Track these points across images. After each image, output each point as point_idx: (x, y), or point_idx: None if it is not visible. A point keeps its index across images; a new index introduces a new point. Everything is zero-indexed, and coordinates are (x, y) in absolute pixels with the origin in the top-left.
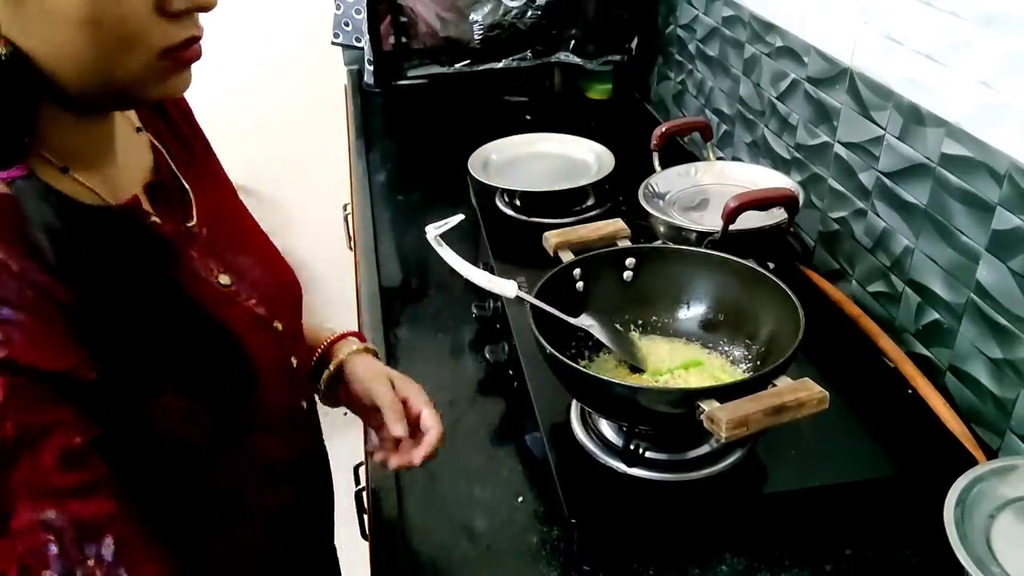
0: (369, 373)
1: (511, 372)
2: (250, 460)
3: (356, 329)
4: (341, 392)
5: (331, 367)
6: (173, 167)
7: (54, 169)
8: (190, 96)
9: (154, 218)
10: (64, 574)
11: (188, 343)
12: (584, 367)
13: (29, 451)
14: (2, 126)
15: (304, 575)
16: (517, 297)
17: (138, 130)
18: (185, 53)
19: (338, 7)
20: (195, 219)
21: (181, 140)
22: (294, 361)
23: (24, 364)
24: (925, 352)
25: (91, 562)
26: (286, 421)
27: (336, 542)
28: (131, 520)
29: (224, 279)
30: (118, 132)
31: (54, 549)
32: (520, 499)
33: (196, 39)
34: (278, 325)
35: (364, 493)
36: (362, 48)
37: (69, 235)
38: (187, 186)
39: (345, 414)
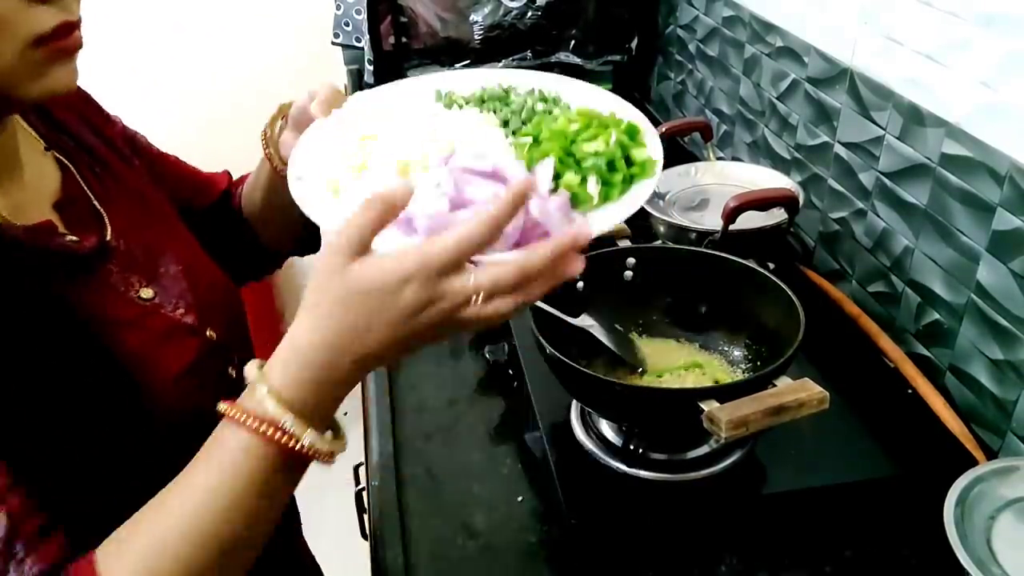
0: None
1: (511, 372)
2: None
3: None
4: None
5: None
6: (83, 184)
7: None
8: (188, 97)
9: (70, 237)
10: None
11: (68, 366)
12: (584, 367)
13: None
14: None
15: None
16: None
17: (46, 149)
18: (59, 42)
19: (338, 7)
20: (110, 233)
21: (91, 154)
22: (232, 372)
23: None
24: (925, 352)
25: None
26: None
27: (336, 542)
28: (29, 498)
29: (146, 292)
30: (23, 152)
31: None
32: (520, 499)
33: (70, 25)
34: (211, 334)
35: (364, 493)
36: (362, 48)
37: None
38: (96, 203)
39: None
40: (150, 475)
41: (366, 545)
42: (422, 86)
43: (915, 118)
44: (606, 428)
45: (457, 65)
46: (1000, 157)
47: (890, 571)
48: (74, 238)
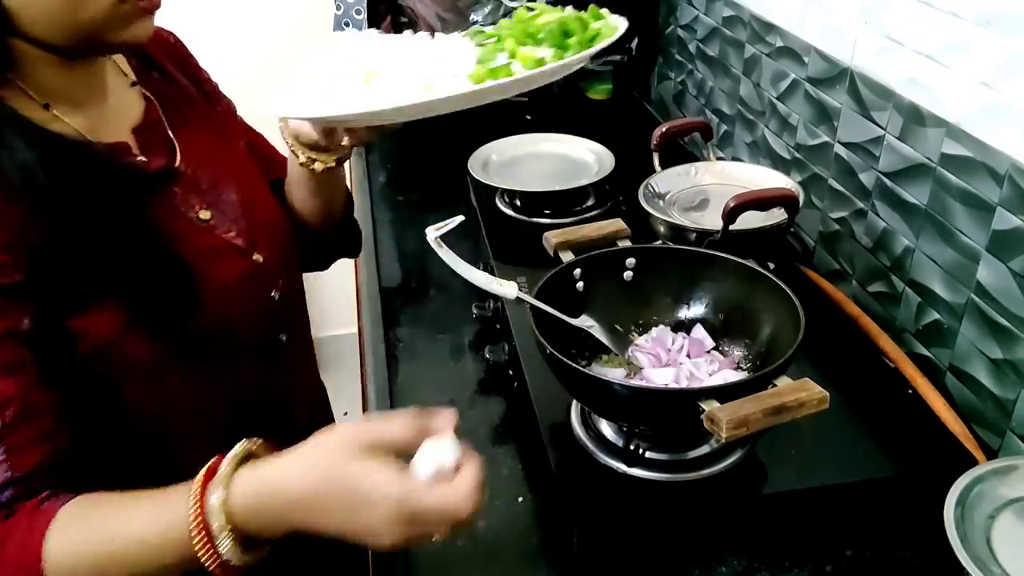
0: None
1: (511, 372)
2: (208, 386)
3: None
4: None
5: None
6: (163, 115)
7: (36, 105)
8: None
9: (140, 157)
10: None
11: (135, 266)
12: (584, 367)
13: None
14: None
15: None
16: (517, 298)
17: (133, 84)
18: (141, 0)
19: (338, 7)
20: (179, 160)
21: (179, 91)
22: (275, 294)
23: None
24: (925, 352)
25: None
26: (256, 352)
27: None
28: (34, 407)
29: (204, 214)
30: (110, 83)
31: None
32: (520, 499)
33: None
34: (258, 257)
35: None
36: None
37: (39, 163)
38: (171, 133)
39: (345, 413)
40: (190, 384)
41: None
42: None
43: (915, 118)
44: (606, 428)
45: None
46: (1000, 157)
47: (890, 571)
48: (143, 159)
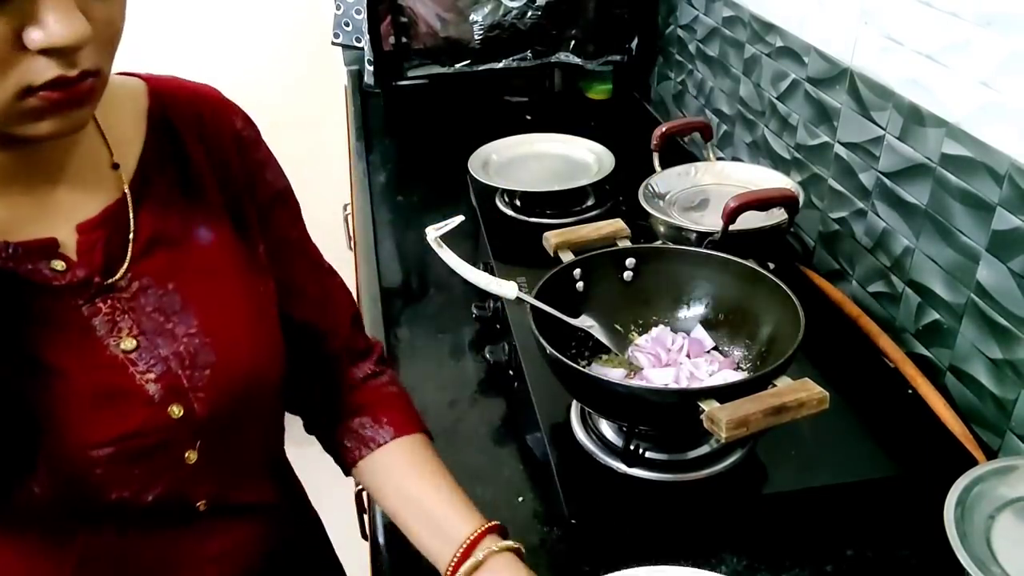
0: None
1: (511, 372)
2: (58, 563)
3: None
4: None
5: (466, 567)
6: (131, 211)
7: None
8: None
9: (56, 264)
10: None
11: None
12: (584, 367)
13: None
14: None
15: None
16: (517, 298)
17: (114, 166)
18: (51, 94)
19: (338, 7)
20: (124, 271)
21: (190, 182)
22: (190, 457)
23: None
24: (925, 352)
25: None
26: (159, 517)
27: (336, 542)
28: None
29: (128, 343)
30: (76, 164)
31: None
32: (520, 499)
33: (65, 80)
34: (176, 410)
35: (364, 493)
36: (362, 48)
37: None
38: (132, 235)
39: None
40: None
41: (366, 545)
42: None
43: (915, 118)
44: (606, 428)
45: (457, 65)
46: (1000, 157)
47: (890, 571)
48: (60, 266)
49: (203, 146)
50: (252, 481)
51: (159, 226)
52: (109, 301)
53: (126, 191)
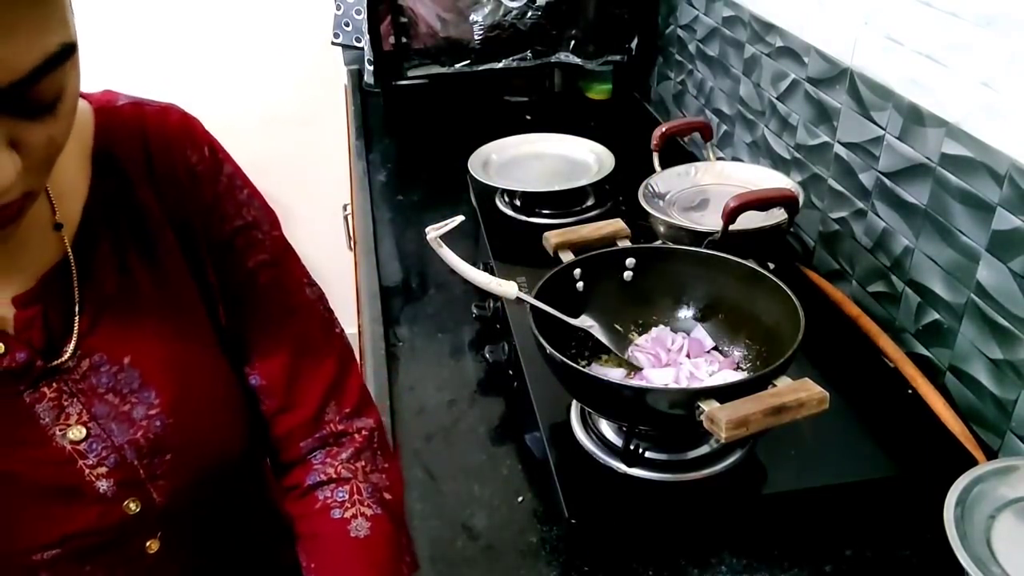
0: None
1: (511, 372)
2: None
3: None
4: None
5: None
6: (74, 279)
7: None
8: (187, 98)
9: None
10: None
11: None
12: (584, 367)
13: None
14: None
15: None
16: (517, 298)
17: (57, 226)
18: None
19: (338, 7)
20: (71, 350)
21: (142, 232)
22: (151, 546)
23: None
24: (925, 352)
25: None
26: None
27: None
28: None
29: (76, 432)
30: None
31: None
32: (520, 499)
33: None
34: (132, 505)
35: None
36: (362, 48)
37: None
38: (77, 306)
39: None
40: None
41: None
42: None
43: (915, 118)
44: (606, 428)
45: (457, 65)
46: (1000, 157)
47: (890, 571)
48: None
49: (152, 189)
50: (229, 557)
51: (109, 290)
52: (55, 384)
53: (69, 253)
